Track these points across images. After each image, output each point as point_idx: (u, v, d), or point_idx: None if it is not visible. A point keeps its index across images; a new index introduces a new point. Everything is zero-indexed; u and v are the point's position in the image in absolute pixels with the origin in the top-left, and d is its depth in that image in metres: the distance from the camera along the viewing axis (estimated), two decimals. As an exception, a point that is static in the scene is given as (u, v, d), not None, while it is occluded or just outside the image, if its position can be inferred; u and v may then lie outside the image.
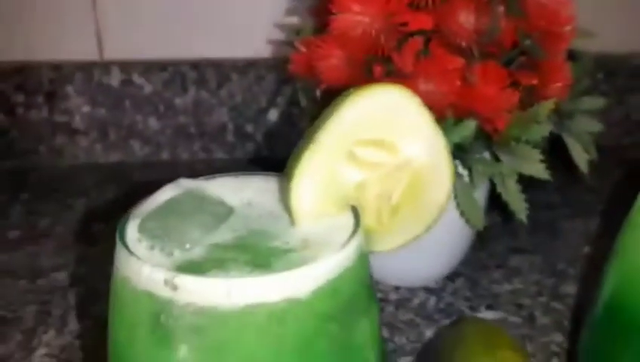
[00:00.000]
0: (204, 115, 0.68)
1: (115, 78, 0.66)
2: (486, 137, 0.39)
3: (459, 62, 0.35)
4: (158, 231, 0.24)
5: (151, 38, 0.66)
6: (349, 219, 0.25)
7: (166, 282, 0.21)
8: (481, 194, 0.42)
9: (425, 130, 0.26)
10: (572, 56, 0.45)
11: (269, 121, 0.68)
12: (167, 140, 0.68)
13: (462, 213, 0.41)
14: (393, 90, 0.25)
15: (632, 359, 0.29)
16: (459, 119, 0.37)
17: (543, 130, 0.37)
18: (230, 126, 0.69)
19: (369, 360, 0.24)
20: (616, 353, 0.30)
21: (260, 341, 0.21)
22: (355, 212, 0.25)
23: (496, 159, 0.38)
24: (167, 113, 0.68)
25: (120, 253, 0.23)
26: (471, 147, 0.39)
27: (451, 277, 0.50)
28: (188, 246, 0.23)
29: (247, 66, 0.67)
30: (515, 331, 0.44)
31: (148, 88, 0.67)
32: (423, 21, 0.34)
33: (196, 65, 0.67)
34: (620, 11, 0.72)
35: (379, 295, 0.48)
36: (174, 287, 0.21)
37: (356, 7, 0.34)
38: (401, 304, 0.47)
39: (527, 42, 0.37)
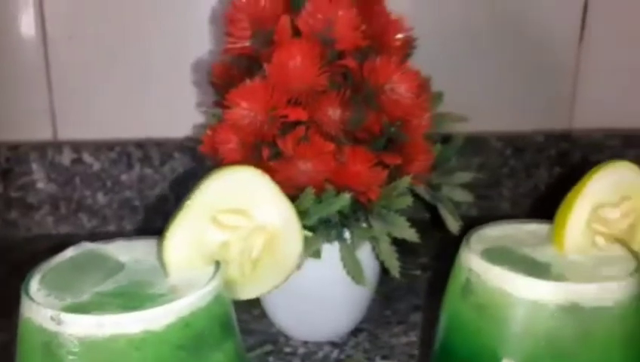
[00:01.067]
0: (148, 190, 0.75)
1: (66, 157, 0.73)
2: (363, 206, 0.46)
3: (330, 146, 0.43)
4: (54, 283, 0.30)
5: (100, 120, 0.74)
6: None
7: (52, 318, 0.27)
8: (365, 256, 0.49)
9: (275, 201, 0.33)
10: (445, 138, 0.53)
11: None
12: (113, 213, 0.75)
13: (348, 272, 0.47)
14: (246, 170, 0.32)
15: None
16: (338, 192, 0.45)
17: (406, 200, 0.45)
18: (171, 198, 0.76)
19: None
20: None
21: (124, 363, 0.27)
22: (217, 265, 0.32)
23: (370, 225, 0.46)
24: (113, 188, 0.75)
25: (23, 300, 0.29)
26: (351, 214, 0.46)
27: (355, 332, 0.56)
28: (77, 294, 0.30)
29: (186, 144, 0.74)
30: (404, 377, 0.50)
31: (96, 166, 0.74)
32: (299, 114, 0.42)
33: (141, 144, 0.74)
34: (523, 94, 0.81)
35: (288, 349, 0.54)
36: (59, 322, 0.27)
37: (244, 103, 0.41)
38: (307, 356, 0.53)
39: (392, 130, 0.45)
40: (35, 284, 0.30)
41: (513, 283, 0.32)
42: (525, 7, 0.78)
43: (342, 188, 0.45)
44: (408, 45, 0.46)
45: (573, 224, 0.35)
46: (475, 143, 0.80)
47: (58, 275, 0.31)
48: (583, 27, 0.79)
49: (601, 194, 0.35)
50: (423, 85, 0.45)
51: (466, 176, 0.51)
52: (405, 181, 0.44)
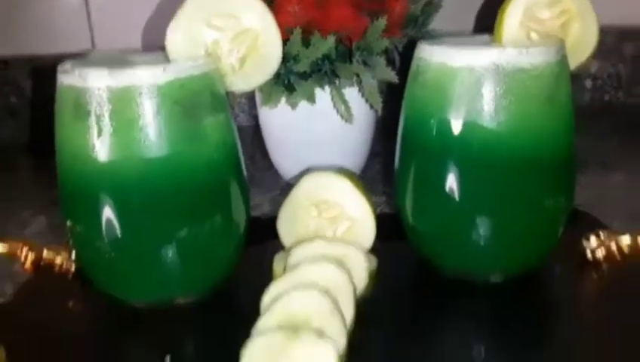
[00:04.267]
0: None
1: (104, 64, 0.83)
2: (348, 50, 0.53)
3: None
4: (82, 64, 0.38)
5: (131, 30, 0.83)
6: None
7: (79, 75, 0.36)
8: (358, 102, 0.56)
9: (257, 8, 0.41)
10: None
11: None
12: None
13: (337, 111, 0.55)
14: (231, -20, 0.40)
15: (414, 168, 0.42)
16: (324, 37, 0.52)
17: (383, 43, 0.52)
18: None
19: (209, 153, 0.38)
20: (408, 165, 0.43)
21: (133, 108, 0.35)
22: (208, 54, 0.40)
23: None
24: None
25: (58, 75, 0.38)
26: (338, 59, 0.53)
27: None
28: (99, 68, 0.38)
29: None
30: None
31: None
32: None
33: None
34: None
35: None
36: (85, 77, 0.35)
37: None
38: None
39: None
40: (68, 66, 0.38)
41: (450, 56, 0.38)
42: None
43: (327, 33, 0.52)
44: None
45: (509, 21, 0.41)
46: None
47: (85, 62, 0.39)
48: None
49: (533, -4, 0.41)
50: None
51: (444, 33, 0.58)
52: (381, 23, 0.51)
